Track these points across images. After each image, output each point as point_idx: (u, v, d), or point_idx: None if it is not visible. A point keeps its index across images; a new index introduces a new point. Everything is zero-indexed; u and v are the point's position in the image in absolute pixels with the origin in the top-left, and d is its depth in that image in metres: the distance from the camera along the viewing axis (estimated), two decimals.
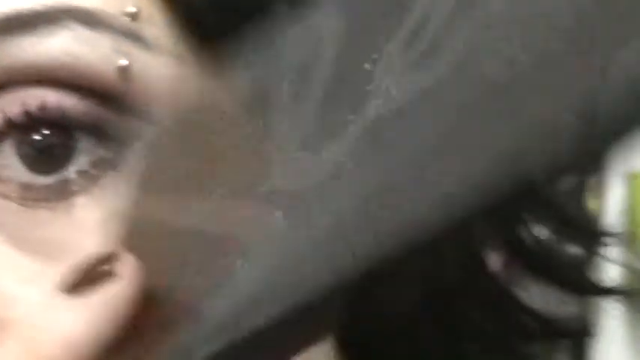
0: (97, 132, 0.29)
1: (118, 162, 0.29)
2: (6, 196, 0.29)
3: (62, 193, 0.29)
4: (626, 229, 1.00)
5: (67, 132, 0.29)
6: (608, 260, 0.42)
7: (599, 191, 1.01)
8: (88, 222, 0.29)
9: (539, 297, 0.39)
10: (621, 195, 1.02)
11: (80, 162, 0.29)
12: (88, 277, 0.28)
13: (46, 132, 0.29)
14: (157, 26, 0.29)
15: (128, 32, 0.29)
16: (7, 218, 0.29)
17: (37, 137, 0.29)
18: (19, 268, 0.29)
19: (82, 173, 0.29)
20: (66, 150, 0.29)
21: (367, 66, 0.29)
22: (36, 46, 0.28)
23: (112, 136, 0.29)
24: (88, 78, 0.29)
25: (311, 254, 0.29)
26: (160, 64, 0.29)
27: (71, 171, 0.29)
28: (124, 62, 0.29)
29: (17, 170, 0.29)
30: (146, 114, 0.29)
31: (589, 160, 0.36)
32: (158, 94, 0.29)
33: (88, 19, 0.29)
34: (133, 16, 0.29)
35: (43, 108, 0.29)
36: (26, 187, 0.29)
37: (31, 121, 0.29)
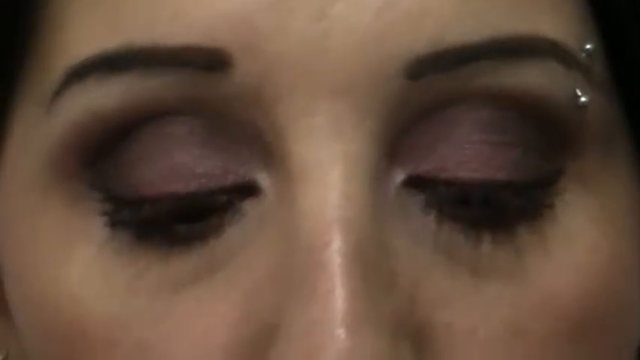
0: None
1: None
2: None
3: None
4: None
5: None
6: None
7: None
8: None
9: None
10: None
11: None
12: None
13: None
14: (600, 63, 0.31)
15: (586, 70, 0.30)
16: None
17: None
18: None
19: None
20: None
21: None
22: (517, 75, 0.29)
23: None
24: (551, 112, 0.30)
25: None
26: (604, 103, 0.31)
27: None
28: (584, 101, 0.30)
29: None
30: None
31: None
32: (596, 130, 0.30)
33: (560, 54, 0.29)
34: (589, 54, 0.30)
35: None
36: None
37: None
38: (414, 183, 0.30)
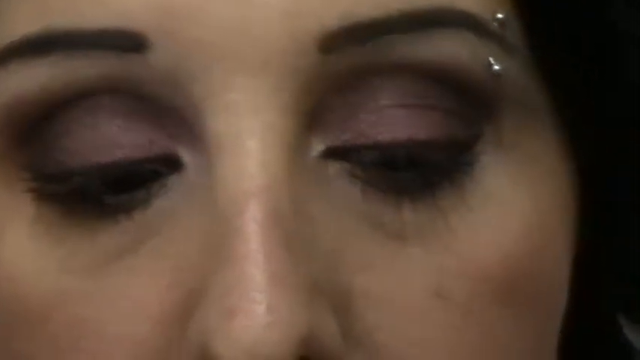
0: None
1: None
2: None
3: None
4: None
5: None
6: None
7: None
8: None
9: None
10: None
11: None
12: None
13: None
14: (514, 32, 0.32)
15: (499, 39, 0.31)
16: None
17: None
18: None
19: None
20: None
21: None
22: (430, 46, 0.30)
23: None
24: (466, 81, 0.31)
25: None
26: (520, 71, 0.32)
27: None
28: (498, 69, 0.31)
29: None
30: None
31: None
32: (511, 96, 0.31)
33: (472, 24, 0.31)
34: (501, 23, 0.31)
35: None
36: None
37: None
38: (335, 153, 0.31)
